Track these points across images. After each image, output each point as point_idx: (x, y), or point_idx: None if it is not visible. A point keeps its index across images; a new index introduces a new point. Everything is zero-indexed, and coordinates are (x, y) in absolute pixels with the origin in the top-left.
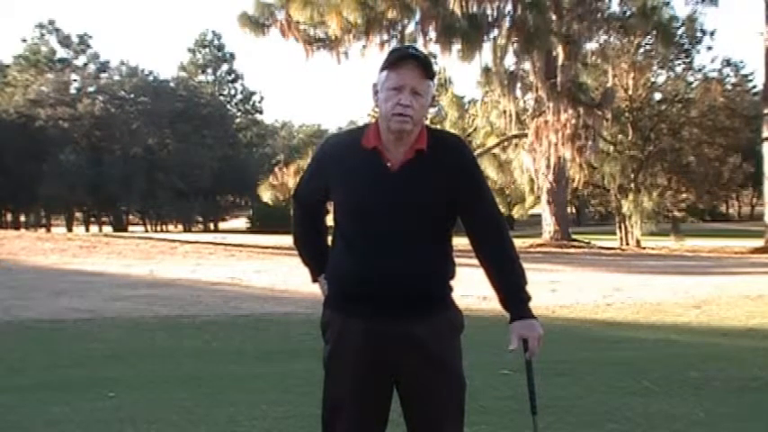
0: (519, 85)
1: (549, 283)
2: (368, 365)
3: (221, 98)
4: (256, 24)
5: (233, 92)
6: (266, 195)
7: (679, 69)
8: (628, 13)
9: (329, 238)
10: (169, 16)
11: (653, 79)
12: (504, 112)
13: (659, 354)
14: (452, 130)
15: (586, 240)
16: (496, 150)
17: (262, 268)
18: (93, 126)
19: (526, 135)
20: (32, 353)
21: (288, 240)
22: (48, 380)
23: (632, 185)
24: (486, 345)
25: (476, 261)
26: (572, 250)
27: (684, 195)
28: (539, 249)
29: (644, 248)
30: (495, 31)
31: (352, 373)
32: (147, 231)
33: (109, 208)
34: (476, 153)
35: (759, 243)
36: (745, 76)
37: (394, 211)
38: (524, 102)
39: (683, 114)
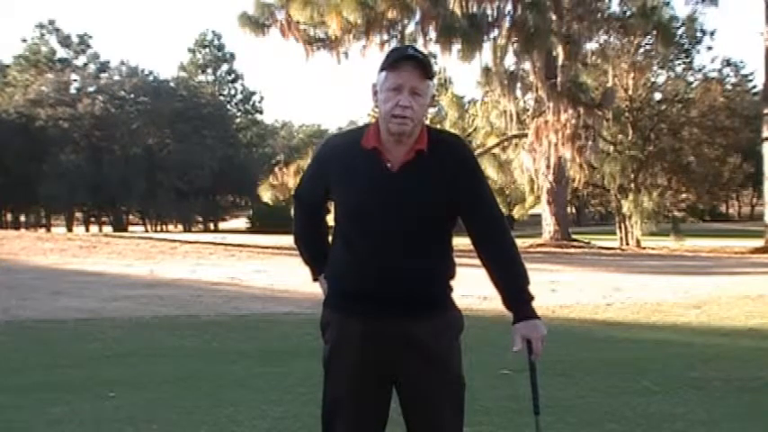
0: (519, 85)
1: (549, 283)
2: (367, 365)
3: (221, 98)
4: (256, 24)
5: (233, 92)
6: (266, 195)
7: (679, 69)
8: (628, 13)
9: (330, 238)
10: (169, 16)
11: (653, 79)
12: (504, 112)
13: (659, 354)
14: (452, 130)
15: (586, 240)
16: (496, 150)
17: (262, 268)
18: (93, 126)
19: (526, 135)
20: (32, 353)
21: (288, 240)
22: (48, 380)
23: (632, 185)
24: (486, 345)
25: (476, 261)
26: (572, 250)
27: (684, 195)
28: (539, 249)
29: (644, 248)
30: (495, 31)
31: (351, 373)
32: (147, 231)
33: (109, 208)
34: (476, 153)
35: (759, 243)
36: (745, 76)
37: (394, 211)
38: (524, 102)
39: (683, 114)
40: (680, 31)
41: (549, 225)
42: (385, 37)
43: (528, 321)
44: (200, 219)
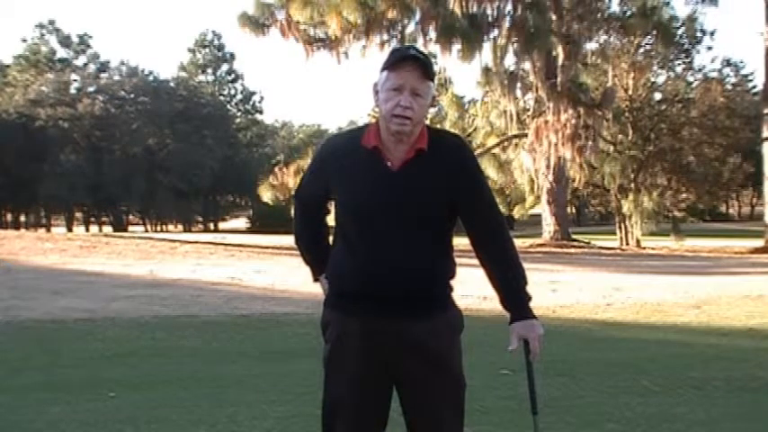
0: (519, 85)
1: (550, 283)
2: (367, 365)
3: (221, 98)
4: (256, 24)
5: (233, 92)
6: (266, 195)
7: (679, 69)
8: (628, 13)
9: (330, 238)
10: (169, 16)
11: (653, 79)
12: (504, 112)
13: (659, 354)
14: (452, 130)
15: (586, 240)
16: (496, 150)
17: (262, 268)
18: (93, 126)
19: (526, 135)
20: (32, 353)
21: (288, 240)
22: (48, 380)
23: (632, 185)
24: (486, 345)
25: (476, 261)
26: (572, 250)
27: (684, 195)
28: (539, 249)
29: (644, 248)
30: (495, 31)
31: (351, 372)
32: (147, 231)
33: (109, 208)
34: (476, 153)
35: (759, 243)
36: (745, 76)
37: (394, 210)
38: (524, 102)
39: (683, 114)
40: (680, 31)
41: (549, 225)
42: (385, 37)
43: (525, 321)
44: (200, 219)
